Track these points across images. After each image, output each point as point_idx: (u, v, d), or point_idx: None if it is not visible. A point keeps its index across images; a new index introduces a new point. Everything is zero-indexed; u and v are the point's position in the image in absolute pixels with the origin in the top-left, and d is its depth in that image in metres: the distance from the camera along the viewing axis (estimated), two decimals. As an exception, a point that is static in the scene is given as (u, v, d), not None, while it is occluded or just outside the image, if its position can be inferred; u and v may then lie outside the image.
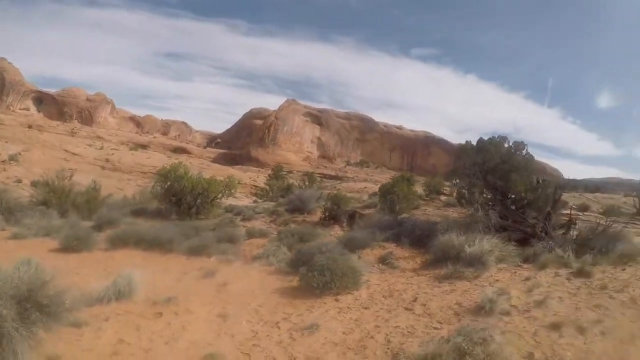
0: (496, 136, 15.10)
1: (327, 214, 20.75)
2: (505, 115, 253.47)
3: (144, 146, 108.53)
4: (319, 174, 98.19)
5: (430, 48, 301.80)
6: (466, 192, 15.40)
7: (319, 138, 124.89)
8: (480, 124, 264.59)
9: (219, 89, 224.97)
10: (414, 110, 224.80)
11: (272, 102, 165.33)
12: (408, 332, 6.15)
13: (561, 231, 13.00)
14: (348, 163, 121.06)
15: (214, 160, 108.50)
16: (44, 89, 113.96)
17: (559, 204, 13.73)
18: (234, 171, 74.86)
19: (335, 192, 26.12)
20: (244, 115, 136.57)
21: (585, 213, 21.09)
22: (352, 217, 19.95)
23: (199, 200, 22.99)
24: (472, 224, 12.81)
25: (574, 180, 71.80)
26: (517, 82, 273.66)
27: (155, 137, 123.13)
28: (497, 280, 8.38)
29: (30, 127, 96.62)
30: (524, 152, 14.78)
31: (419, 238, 13.11)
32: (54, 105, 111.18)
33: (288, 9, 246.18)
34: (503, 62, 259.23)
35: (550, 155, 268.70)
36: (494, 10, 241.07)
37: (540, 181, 14.68)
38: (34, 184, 28.12)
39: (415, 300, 7.59)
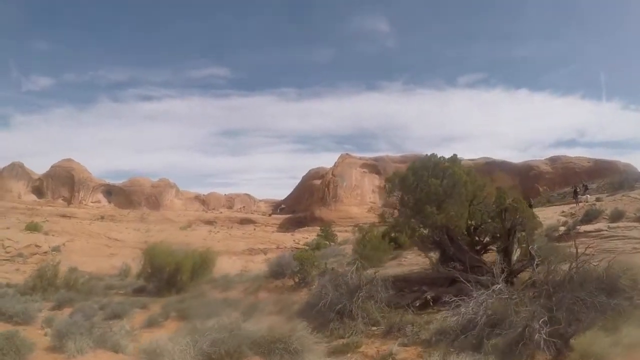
0: (429, 154, 11.57)
1: (296, 278, 18.10)
2: (566, 121, 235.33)
3: (210, 222, 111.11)
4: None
5: (476, 73, 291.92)
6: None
7: (379, 187, 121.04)
8: (542, 136, 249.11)
9: (277, 156, 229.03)
10: (473, 139, 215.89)
11: (331, 159, 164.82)
12: None
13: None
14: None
15: (281, 226, 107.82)
16: (111, 182, 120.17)
17: (515, 234, 10.06)
18: (278, 235, 73.94)
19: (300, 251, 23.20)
20: (303, 177, 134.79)
21: (610, 226, 16.46)
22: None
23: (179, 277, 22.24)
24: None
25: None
26: (569, 84, 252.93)
27: (221, 213, 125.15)
28: None
29: (102, 217, 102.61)
30: (448, 171, 10.92)
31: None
32: (122, 195, 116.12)
33: (330, 69, 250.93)
34: (550, 68, 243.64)
35: (622, 151, 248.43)
36: (527, 20, 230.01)
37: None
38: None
39: None
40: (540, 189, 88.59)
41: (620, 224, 17.19)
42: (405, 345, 7.99)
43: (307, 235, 72.12)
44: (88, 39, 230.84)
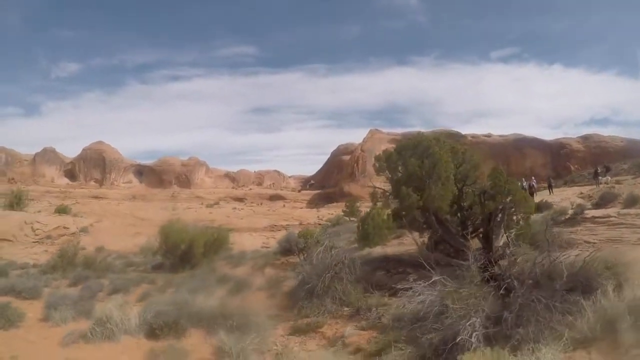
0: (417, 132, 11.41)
1: (301, 255, 18.26)
2: (600, 98, 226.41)
3: (240, 199, 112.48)
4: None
5: (510, 47, 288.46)
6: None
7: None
8: (575, 113, 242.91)
9: (308, 133, 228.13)
10: (505, 114, 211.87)
11: (361, 135, 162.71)
12: None
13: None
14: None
15: (310, 202, 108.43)
16: (142, 162, 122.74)
17: (501, 218, 9.78)
18: (302, 212, 74.47)
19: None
20: (332, 153, 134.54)
21: (620, 212, 15.71)
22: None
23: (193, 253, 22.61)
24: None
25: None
26: (604, 60, 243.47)
27: (250, 189, 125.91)
28: None
29: (134, 197, 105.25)
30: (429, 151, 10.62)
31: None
32: (153, 175, 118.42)
33: (359, 44, 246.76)
34: (585, 43, 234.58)
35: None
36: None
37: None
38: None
39: None
40: (572, 168, 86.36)
41: (632, 210, 16.14)
42: (362, 329, 8.04)
43: (333, 211, 71.80)
44: (112, 23, 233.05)
